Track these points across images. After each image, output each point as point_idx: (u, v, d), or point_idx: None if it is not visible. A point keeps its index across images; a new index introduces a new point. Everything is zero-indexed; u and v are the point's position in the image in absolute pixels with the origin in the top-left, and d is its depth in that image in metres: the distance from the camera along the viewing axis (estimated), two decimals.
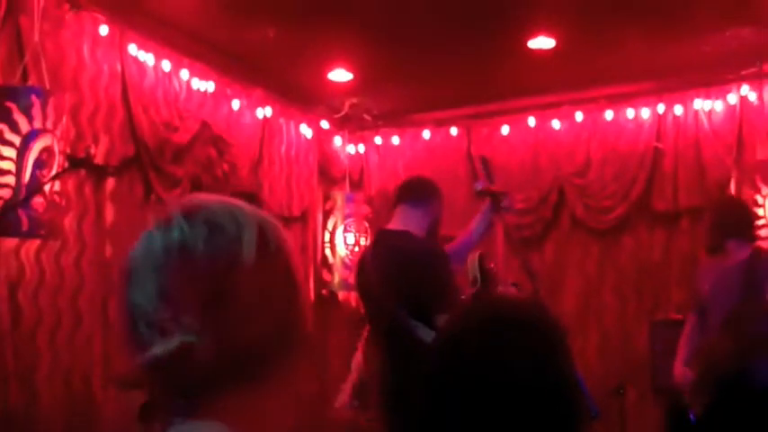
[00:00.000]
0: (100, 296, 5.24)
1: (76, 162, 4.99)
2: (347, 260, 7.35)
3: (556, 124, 7.21)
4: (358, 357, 5.57)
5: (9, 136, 4.35)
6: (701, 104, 6.76)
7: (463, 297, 4.30)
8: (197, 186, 5.89)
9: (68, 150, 4.99)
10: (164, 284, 1.07)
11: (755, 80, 6.52)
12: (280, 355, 1.12)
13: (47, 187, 4.44)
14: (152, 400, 1.10)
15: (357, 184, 7.89)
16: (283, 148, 7.08)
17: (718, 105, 6.72)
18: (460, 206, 7.25)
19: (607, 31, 5.88)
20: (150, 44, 5.75)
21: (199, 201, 1.14)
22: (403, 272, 4.13)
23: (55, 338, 4.93)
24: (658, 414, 5.90)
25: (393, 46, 6.14)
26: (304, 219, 7.32)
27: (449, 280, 4.25)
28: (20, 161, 4.37)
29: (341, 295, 7.47)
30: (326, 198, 7.60)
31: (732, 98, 6.65)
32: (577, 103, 7.11)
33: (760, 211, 6.15)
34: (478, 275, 4.54)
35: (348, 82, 6.80)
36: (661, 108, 6.88)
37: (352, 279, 7.22)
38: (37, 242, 4.80)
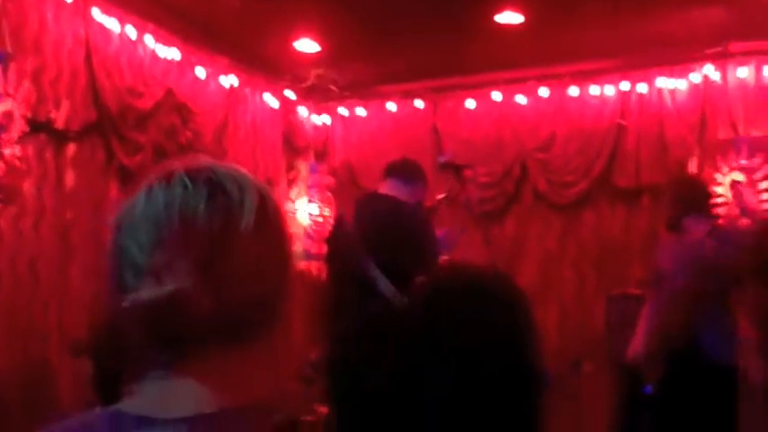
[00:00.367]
0: (58, 262, 5.20)
1: (37, 126, 4.96)
2: (310, 230, 7.35)
3: (521, 99, 7.23)
4: None
5: None
6: (664, 83, 6.81)
7: None
8: (160, 154, 5.85)
9: (29, 114, 4.95)
10: (160, 237, 1.07)
11: (720, 60, 6.58)
12: (267, 320, 1.12)
13: (7, 151, 4.39)
14: (128, 352, 1.10)
15: (321, 155, 7.87)
16: (248, 118, 7.04)
17: (681, 84, 6.77)
18: None
19: (574, 8, 5.90)
20: (115, 9, 5.68)
21: (203, 162, 1.15)
22: (392, 229, 4.16)
23: (12, 303, 4.90)
24: (614, 387, 5.99)
25: (360, 17, 6.11)
26: None
27: (433, 245, 4.28)
28: None
29: (302, 265, 7.48)
30: (290, 168, 7.58)
31: (696, 77, 6.70)
32: (543, 79, 7.13)
33: (720, 190, 6.24)
34: None
35: (314, 53, 6.77)
36: (625, 85, 6.92)
37: (314, 249, 7.24)
38: None
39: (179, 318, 1.04)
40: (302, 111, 7.80)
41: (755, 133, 6.46)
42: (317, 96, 7.70)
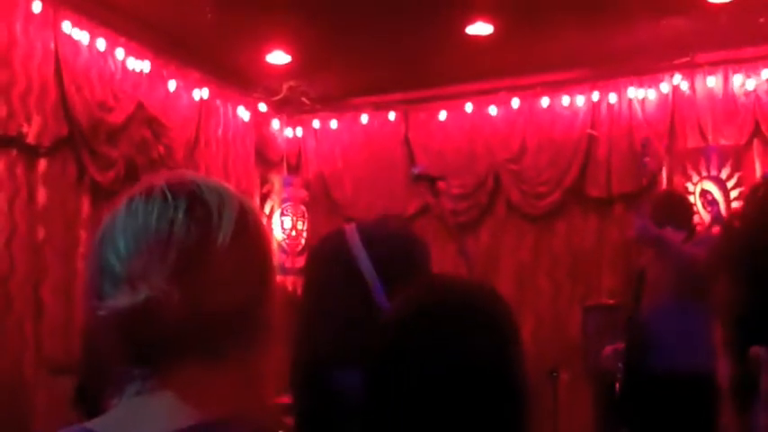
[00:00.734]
0: (31, 280, 5.14)
1: (8, 141, 4.91)
2: (284, 244, 7.32)
3: (492, 110, 7.26)
4: None
5: None
6: (634, 93, 6.87)
7: None
8: (132, 168, 5.81)
9: None
10: (138, 246, 1.07)
11: (688, 69, 6.65)
12: (245, 332, 1.11)
13: None
14: (102, 367, 1.09)
15: (294, 168, 7.85)
16: (220, 131, 7.02)
17: (651, 94, 6.84)
18: (397, 190, 7.30)
19: (544, 19, 5.93)
20: (85, 22, 5.65)
21: (185, 176, 1.15)
22: (399, 246, 4.14)
23: None
24: (590, 396, 6.02)
25: (332, 29, 6.12)
26: None
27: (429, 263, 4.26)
28: None
29: (277, 279, 7.45)
30: (264, 182, 7.56)
31: (665, 87, 6.77)
32: (514, 90, 7.17)
33: (690, 199, 6.30)
34: None
35: (286, 65, 6.76)
36: (596, 96, 6.97)
37: (289, 263, 7.21)
38: None
39: (153, 326, 1.03)
40: (275, 123, 7.78)
41: (724, 142, 6.54)
42: (290, 109, 7.68)
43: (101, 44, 5.75)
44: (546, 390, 5.75)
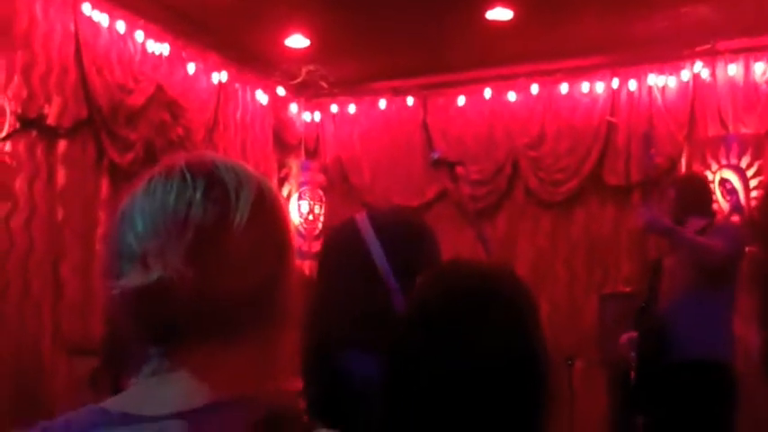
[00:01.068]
0: (50, 260, 5.17)
1: (28, 122, 4.93)
2: (301, 228, 7.33)
3: (511, 96, 7.23)
4: None
5: None
6: (654, 80, 6.83)
7: None
8: (150, 150, 5.83)
9: (20, 111, 4.93)
10: (155, 226, 1.07)
11: (709, 57, 6.60)
12: (260, 314, 1.12)
13: None
14: (118, 347, 1.10)
15: (312, 152, 7.85)
16: (239, 114, 7.02)
17: (671, 81, 6.79)
18: (415, 176, 7.30)
19: (564, 5, 5.91)
20: (105, 4, 5.66)
21: (205, 156, 1.15)
22: (411, 235, 4.16)
23: (4, 302, 4.86)
24: (605, 384, 6.01)
25: (351, 13, 6.10)
26: None
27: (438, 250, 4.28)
28: None
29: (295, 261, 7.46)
30: (281, 165, 7.56)
31: (685, 75, 6.72)
32: (533, 76, 7.14)
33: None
34: None
35: (305, 48, 6.75)
36: (615, 83, 6.93)
37: (306, 247, 7.22)
38: None
39: (166, 305, 1.04)
40: (293, 107, 7.78)
41: (745, 130, 6.49)
42: (308, 93, 7.68)
43: (120, 26, 5.76)
44: (561, 377, 5.74)
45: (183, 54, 6.38)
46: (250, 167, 1.17)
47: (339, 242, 4.38)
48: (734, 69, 6.56)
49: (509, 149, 7.19)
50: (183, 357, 1.08)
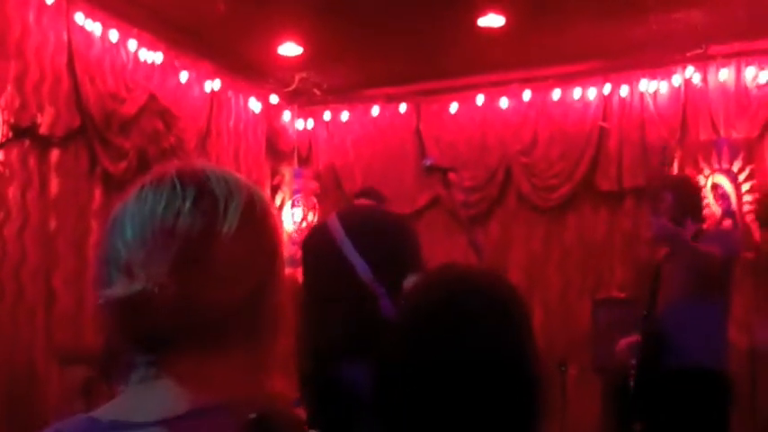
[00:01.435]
0: (43, 269, 5.17)
1: (21, 132, 4.93)
2: (294, 236, 7.33)
3: (504, 102, 7.24)
4: None
5: None
6: (646, 85, 6.84)
7: None
8: (143, 159, 5.83)
9: (12, 120, 4.92)
10: (143, 235, 1.08)
11: (700, 62, 6.62)
12: (249, 323, 1.12)
13: None
14: (111, 355, 1.11)
15: (305, 160, 7.85)
16: (231, 122, 7.02)
17: (663, 87, 6.80)
18: (408, 182, 7.31)
19: (556, 11, 5.92)
20: (98, 13, 5.66)
21: (197, 165, 1.15)
22: (384, 234, 4.17)
23: None
24: (598, 390, 6.02)
25: (344, 21, 6.11)
26: None
27: (419, 246, 4.29)
28: None
29: (287, 271, 7.46)
30: (274, 173, 7.56)
31: (677, 80, 6.74)
32: (526, 82, 7.14)
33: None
34: None
35: (298, 56, 6.76)
36: (607, 88, 6.94)
37: (299, 255, 7.21)
38: None
39: (148, 316, 1.04)
40: (286, 115, 7.78)
41: (736, 135, 6.50)
42: (301, 101, 7.68)
43: (113, 35, 5.76)
44: (554, 383, 5.75)
45: (176, 63, 6.38)
46: (242, 177, 1.17)
47: (314, 248, 4.42)
48: (725, 74, 6.57)
49: (501, 155, 7.20)
50: (170, 365, 1.08)
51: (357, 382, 3.02)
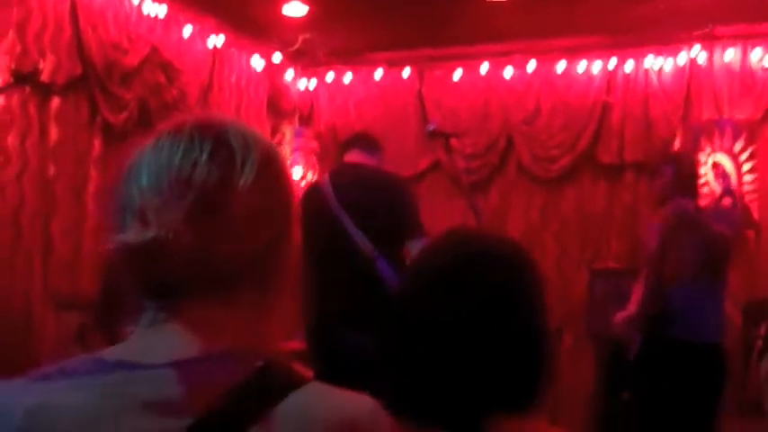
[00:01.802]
0: (41, 215, 5.17)
1: (22, 78, 4.90)
2: None
3: (508, 72, 7.21)
4: None
5: None
6: (651, 62, 6.82)
7: None
8: (144, 111, 5.81)
9: (13, 66, 4.89)
10: (159, 183, 1.08)
11: (706, 41, 6.60)
12: (259, 276, 1.13)
13: None
14: (106, 305, 1.11)
15: (306, 119, 7.83)
16: (233, 79, 6.98)
17: (668, 64, 6.79)
18: (409, 146, 7.29)
19: None
20: None
21: (215, 117, 1.16)
22: (377, 196, 4.16)
23: None
24: (592, 359, 6.05)
25: None
26: None
27: (417, 208, 4.28)
28: None
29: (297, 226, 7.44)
30: (275, 131, 7.53)
31: (682, 58, 6.72)
32: (531, 53, 7.12)
33: (702, 170, 6.28)
34: None
35: (303, 16, 6.70)
36: (612, 63, 6.92)
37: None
38: None
39: (160, 264, 1.05)
40: (288, 74, 7.73)
41: (739, 116, 6.50)
42: (305, 61, 7.64)
43: None
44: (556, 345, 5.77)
45: (180, 17, 6.33)
46: (258, 131, 1.17)
47: (307, 209, 4.42)
48: (731, 55, 6.56)
49: (504, 124, 7.18)
50: (180, 311, 1.09)
51: (362, 347, 3.02)
